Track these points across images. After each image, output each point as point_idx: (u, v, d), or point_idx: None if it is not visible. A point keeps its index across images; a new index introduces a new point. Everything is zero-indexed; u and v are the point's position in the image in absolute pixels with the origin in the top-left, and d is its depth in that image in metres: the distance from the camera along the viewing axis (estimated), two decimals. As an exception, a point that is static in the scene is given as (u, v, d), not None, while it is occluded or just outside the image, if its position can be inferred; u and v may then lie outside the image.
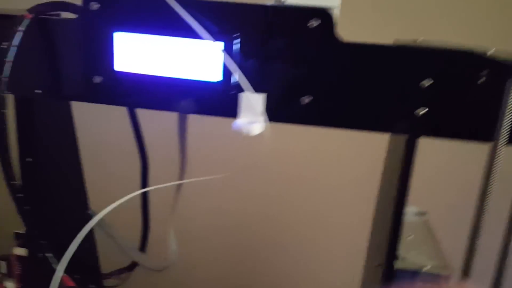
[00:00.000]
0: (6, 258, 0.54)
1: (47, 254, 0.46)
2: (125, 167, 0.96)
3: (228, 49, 0.39)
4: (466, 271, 0.44)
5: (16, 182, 0.42)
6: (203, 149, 0.83)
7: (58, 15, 0.44)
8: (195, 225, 0.98)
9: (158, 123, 0.73)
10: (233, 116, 0.40)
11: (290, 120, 0.40)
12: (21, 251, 0.52)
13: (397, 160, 0.43)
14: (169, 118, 0.83)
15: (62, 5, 0.42)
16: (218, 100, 0.40)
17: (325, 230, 0.98)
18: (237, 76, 0.39)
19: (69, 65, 0.42)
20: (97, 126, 0.92)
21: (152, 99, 0.41)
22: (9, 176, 0.41)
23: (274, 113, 0.40)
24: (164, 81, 0.40)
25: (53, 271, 0.47)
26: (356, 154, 0.91)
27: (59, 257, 0.46)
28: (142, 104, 0.42)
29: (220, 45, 0.39)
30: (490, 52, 0.36)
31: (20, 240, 0.53)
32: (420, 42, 0.42)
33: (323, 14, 0.36)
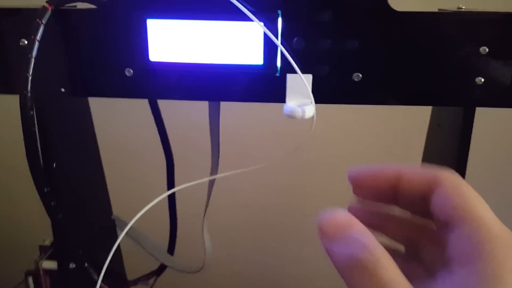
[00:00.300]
0: (33, 273, 0.50)
1: (86, 265, 0.43)
2: (145, 167, 0.93)
3: (269, 28, 0.36)
4: None
5: (48, 189, 0.39)
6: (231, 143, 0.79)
7: (75, 6, 0.41)
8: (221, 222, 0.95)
9: (179, 117, 0.70)
10: (280, 101, 0.38)
11: (343, 100, 0.38)
12: (50, 264, 0.49)
13: (449, 136, 0.41)
14: (192, 111, 0.80)
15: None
16: (263, 84, 0.38)
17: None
18: (279, 58, 0.37)
19: (95, 59, 0.39)
20: (115, 127, 0.89)
21: (191, 88, 0.38)
22: (40, 184, 0.38)
23: (324, 93, 0.37)
24: (203, 69, 0.38)
25: (86, 282, 0.44)
26: (384, 145, 0.90)
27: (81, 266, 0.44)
28: (180, 95, 0.39)
29: (261, 24, 0.36)
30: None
31: (47, 253, 0.50)
32: (465, 9, 0.40)
33: (375, -17, 0.34)
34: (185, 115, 0.81)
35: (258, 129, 0.91)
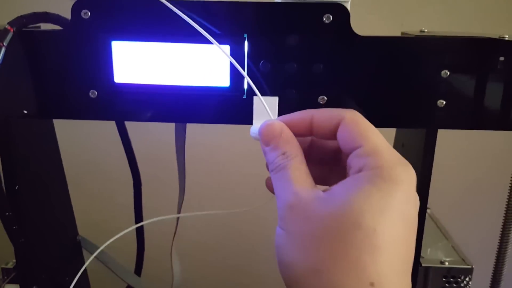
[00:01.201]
0: (-6, 297, 0.49)
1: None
2: (112, 186, 0.91)
3: (235, 52, 0.36)
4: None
5: (9, 213, 0.38)
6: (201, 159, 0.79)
7: (38, 27, 0.41)
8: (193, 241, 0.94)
9: (147, 135, 0.69)
10: (247, 123, 0.38)
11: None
12: (12, 288, 0.47)
13: (413, 155, 0.42)
14: (160, 129, 0.79)
15: (47, 16, 0.39)
16: (230, 106, 0.38)
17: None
18: (245, 80, 0.37)
19: (59, 81, 0.38)
20: (81, 145, 0.87)
21: (157, 110, 0.38)
22: (2, 208, 0.37)
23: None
24: (169, 90, 0.37)
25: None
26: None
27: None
28: (145, 117, 0.38)
29: (226, 48, 0.36)
30: (507, 37, 0.36)
31: (9, 275, 0.48)
32: (427, 33, 0.41)
33: (339, 8, 0.35)
34: (153, 133, 0.81)
35: (228, 147, 0.91)
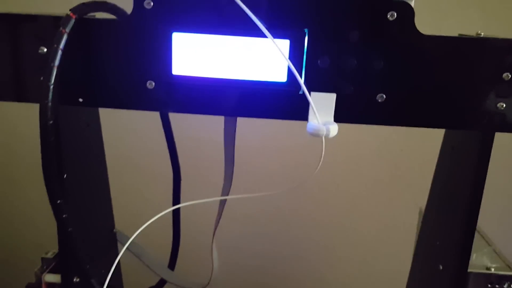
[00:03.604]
0: (34, 286, 0.49)
1: (92, 280, 0.42)
2: (151, 180, 0.92)
3: (295, 47, 0.36)
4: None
5: (60, 201, 0.38)
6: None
7: (94, 16, 0.41)
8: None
9: (190, 131, 0.69)
10: (301, 119, 0.38)
11: (365, 120, 0.38)
12: (53, 278, 0.47)
13: (464, 159, 0.42)
14: (203, 125, 0.79)
15: (106, 6, 0.39)
16: (285, 102, 0.38)
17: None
18: (303, 77, 0.37)
19: (116, 70, 0.38)
20: (122, 138, 0.88)
21: (212, 103, 0.38)
22: (55, 195, 0.37)
23: (346, 112, 0.37)
24: (225, 84, 0.37)
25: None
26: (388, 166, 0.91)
27: (87, 280, 0.42)
28: (200, 109, 0.38)
29: (286, 43, 0.36)
30: None
31: (49, 265, 0.49)
32: (484, 35, 0.41)
33: (403, 6, 0.34)
34: (196, 129, 0.81)
35: (270, 147, 0.91)
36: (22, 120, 0.88)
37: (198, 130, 0.82)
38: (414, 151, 0.89)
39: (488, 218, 0.51)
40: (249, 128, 0.75)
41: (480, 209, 0.46)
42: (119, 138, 0.82)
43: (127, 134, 0.89)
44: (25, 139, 0.90)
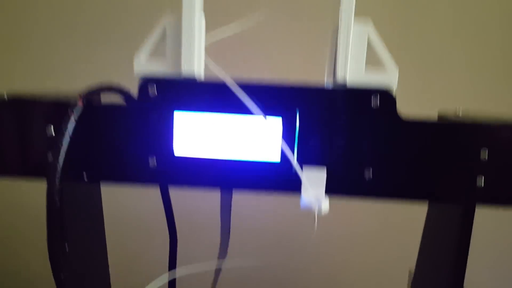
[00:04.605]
0: None
1: None
2: (148, 243, 0.93)
3: (287, 124, 0.39)
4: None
5: (63, 275, 0.39)
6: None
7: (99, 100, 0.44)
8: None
9: (188, 198, 0.71)
10: (295, 191, 0.40)
11: (352, 194, 0.40)
12: None
13: (450, 226, 0.44)
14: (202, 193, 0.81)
15: (111, 87, 0.42)
16: (279, 178, 0.40)
17: None
18: (295, 155, 0.39)
19: (120, 150, 0.41)
20: (119, 203, 0.89)
21: (210, 179, 0.40)
22: (58, 269, 0.39)
23: (336, 187, 0.40)
24: (222, 163, 0.40)
25: None
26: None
27: None
28: (198, 185, 0.41)
29: (278, 120, 0.39)
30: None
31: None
32: (462, 112, 0.44)
33: (385, 94, 0.38)
34: (193, 196, 0.83)
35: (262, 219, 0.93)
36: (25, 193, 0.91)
37: (196, 197, 0.84)
38: (404, 214, 0.91)
39: (474, 282, 0.53)
40: (245, 198, 0.78)
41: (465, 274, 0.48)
42: (117, 198, 0.84)
43: (125, 194, 0.91)
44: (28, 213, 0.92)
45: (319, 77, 0.43)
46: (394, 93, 0.38)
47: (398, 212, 0.90)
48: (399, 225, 0.92)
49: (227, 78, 0.38)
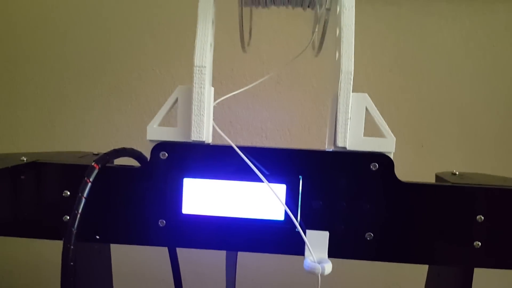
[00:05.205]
0: None
1: None
2: None
3: (291, 190, 0.41)
4: None
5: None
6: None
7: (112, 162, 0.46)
8: None
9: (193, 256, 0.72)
10: (298, 253, 0.42)
11: (354, 256, 0.42)
12: None
13: (451, 286, 0.45)
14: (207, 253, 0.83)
15: (125, 152, 0.44)
16: (283, 238, 0.42)
17: None
18: (298, 220, 0.41)
19: (131, 211, 0.42)
20: (126, 255, 0.90)
21: (217, 239, 0.42)
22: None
23: (338, 249, 0.41)
24: (229, 221, 0.42)
25: None
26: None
27: None
28: (206, 245, 0.42)
29: (283, 187, 0.41)
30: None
31: None
32: (458, 174, 0.46)
33: (384, 158, 0.40)
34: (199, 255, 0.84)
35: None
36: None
37: (202, 252, 0.86)
38: (405, 275, 0.91)
39: None
40: (250, 257, 0.79)
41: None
42: (123, 253, 0.85)
43: (133, 250, 0.92)
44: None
45: (320, 144, 0.45)
46: (392, 156, 0.40)
47: (399, 274, 0.91)
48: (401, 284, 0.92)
49: (234, 145, 0.40)
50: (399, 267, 0.90)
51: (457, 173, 0.47)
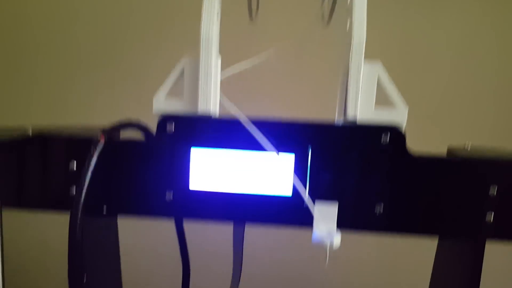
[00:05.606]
0: None
1: None
2: (161, 276, 0.94)
3: (299, 160, 0.40)
4: None
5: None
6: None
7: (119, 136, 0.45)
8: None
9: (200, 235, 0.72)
10: (306, 225, 0.41)
11: (363, 228, 0.41)
12: None
13: (461, 262, 0.45)
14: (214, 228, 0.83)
15: (130, 123, 0.43)
16: (291, 212, 0.41)
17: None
18: (307, 190, 0.40)
19: (138, 185, 0.42)
20: (134, 232, 0.91)
21: (224, 212, 0.42)
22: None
23: (347, 221, 0.41)
24: (236, 197, 0.41)
25: None
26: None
27: None
28: (212, 218, 0.42)
29: (291, 157, 0.40)
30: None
31: None
32: (470, 146, 0.45)
33: (395, 131, 0.39)
34: (207, 229, 0.84)
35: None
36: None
37: (209, 230, 0.86)
38: (411, 253, 0.91)
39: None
40: (258, 230, 0.79)
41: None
42: (131, 231, 0.85)
43: (140, 228, 0.92)
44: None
45: (329, 115, 0.45)
46: (403, 130, 0.39)
47: (408, 249, 0.91)
48: (408, 263, 0.92)
49: (242, 115, 0.39)
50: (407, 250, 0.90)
51: (469, 146, 0.46)
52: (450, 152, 0.46)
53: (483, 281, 0.43)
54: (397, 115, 0.39)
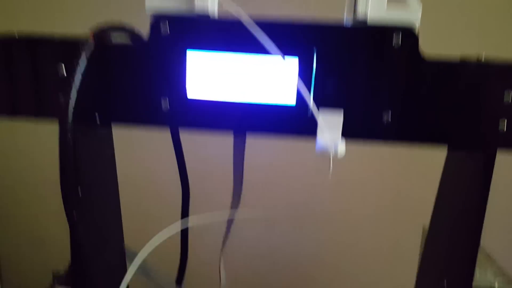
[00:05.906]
0: (45, 300, 0.50)
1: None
2: (159, 197, 0.93)
3: (303, 64, 0.38)
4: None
5: (76, 214, 0.39)
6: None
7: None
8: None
9: (199, 148, 0.71)
10: (310, 135, 0.39)
11: (369, 137, 0.39)
12: (64, 292, 0.48)
13: (469, 175, 0.43)
14: (213, 144, 0.81)
15: (123, 29, 0.40)
16: (294, 121, 0.39)
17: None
18: (311, 97, 0.38)
19: (132, 92, 0.40)
20: (131, 154, 0.90)
21: (224, 123, 0.40)
22: (71, 211, 0.38)
23: (353, 130, 0.39)
24: (236, 106, 0.39)
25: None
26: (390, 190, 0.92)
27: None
28: (211, 127, 0.40)
29: (295, 61, 0.38)
30: None
31: (60, 281, 0.50)
32: (485, 57, 0.43)
33: (408, 31, 0.36)
34: (205, 147, 0.82)
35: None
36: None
37: (208, 147, 0.84)
38: (417, 169, 0.90)
39: (491, 235, 0.52)
40: (257, 146, 0.77)
41: (483, 227, 0.47)
42: (129, 155, 0.84)
43: (136, 149, 0.91)
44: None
45: (338, 14, 0.41)
46: (417, 30, 0.36)
47: (414, 165, 0.89)
48: (414, 178, 0.91)
49: (243, 15, 0.36)
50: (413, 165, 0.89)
51: (483, 57, 0.43)
52: (463, 61, 0.43)
53: (492, 194, 0.41)
54: (411, 13, 0.36)
